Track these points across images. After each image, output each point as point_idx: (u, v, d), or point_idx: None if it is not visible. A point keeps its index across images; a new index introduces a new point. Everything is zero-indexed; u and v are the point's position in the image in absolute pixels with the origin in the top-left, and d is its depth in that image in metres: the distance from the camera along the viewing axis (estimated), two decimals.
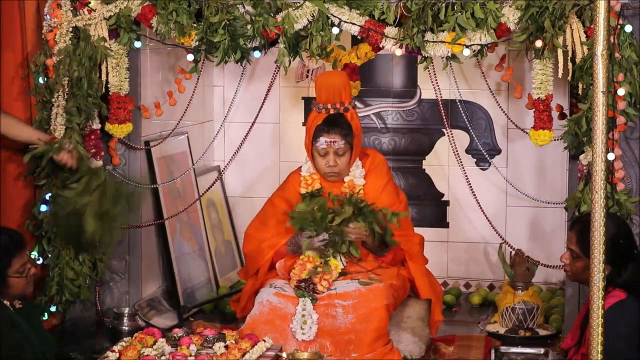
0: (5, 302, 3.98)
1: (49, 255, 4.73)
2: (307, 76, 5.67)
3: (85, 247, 4.66)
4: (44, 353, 4.00)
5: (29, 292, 4.11)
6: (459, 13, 4.35)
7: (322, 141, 4.50)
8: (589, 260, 3.74)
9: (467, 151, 5.78)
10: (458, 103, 5.27)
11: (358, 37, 4.57)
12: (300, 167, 4.73)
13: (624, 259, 3.66)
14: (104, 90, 4.79)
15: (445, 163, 5.84)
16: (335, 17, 4.51)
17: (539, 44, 4.26)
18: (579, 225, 3.82)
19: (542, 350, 4.26)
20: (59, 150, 4.56)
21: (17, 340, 3.90)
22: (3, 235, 4.06)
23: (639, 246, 3.87)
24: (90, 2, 4.68)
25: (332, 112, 4.51)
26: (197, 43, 4.58)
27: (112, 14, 4.66)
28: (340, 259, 4.50)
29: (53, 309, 4.78)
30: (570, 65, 4.31)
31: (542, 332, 4.87)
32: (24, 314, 4.03)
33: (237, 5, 4.56)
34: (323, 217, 4.39)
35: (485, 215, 5.06)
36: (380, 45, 4.53)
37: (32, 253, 4.69)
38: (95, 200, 4.50)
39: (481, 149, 5.51)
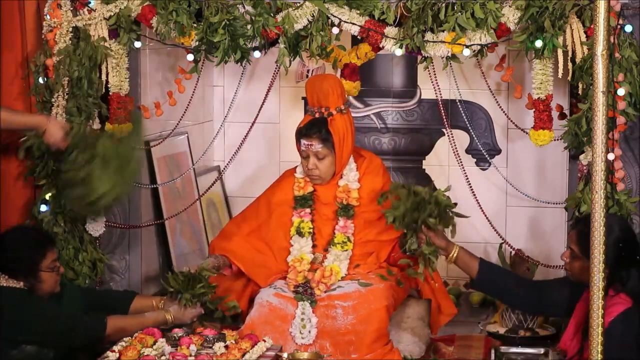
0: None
1: None
2: (307, 76, 5.67)
3: (99, 209, 4.52)
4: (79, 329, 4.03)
5: (56, 290, 4.15)
6: (459, 13, 4.35)
7: (302, 143, 4.58)
8: (587, 261, 3.77)
9: (467, 151, 5.77)
10: (458, 103, 5.27)
11: (358, 37, 4.57)
12: (296, 167, 4.76)
13: (625, 263, 3.65)
14: (104, 90, 4.79)
15: (445, 163, 5.84)
16: (335, 17, 4.50)
17: (539, 44, 4.26)
18: (581, 225, 3.83)
19: (542, 350, 4.26)
20: (43, 134, 4.38)
21: (46, 327, 3.96)
22: (35, 230, 4.26)
23: None
24: (90, 2, 4.67)
25: (317, 116, 4.57)
26: (197, 43, 4.58)
27: (112, 14, 4.66)
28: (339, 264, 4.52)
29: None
30: (570, 65, 4.31)
31: (542, 332, 4.87)
32: (54, 302, 4.09)
33: (237, 5, 4.56)
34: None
35: (485, 215, 5.05)
36: (380, 45, 4.53)
37: None
38: (99, 163, 4.35)
39: (481, 149, 5.51)
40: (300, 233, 4.60)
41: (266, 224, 4.69)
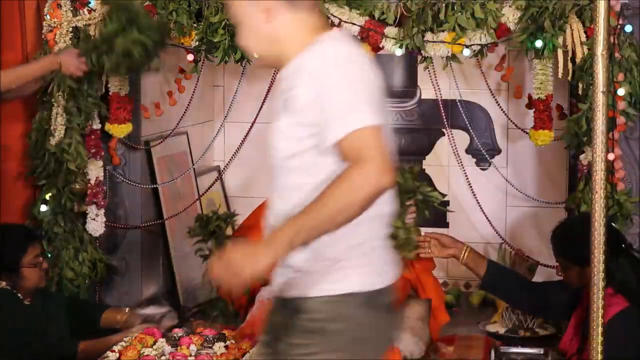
0: (18, 295, 4.04)
1: (49, 255, 4.73)
2: None
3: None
4: (54, 347, 4.04)
5: (41, 285, 4.15)
6: (459, 13, 4.35)
7: None
8: (577, 267, 3.78)
9: (467, 151, 5.77)
10: (458, 103, 5.27)
11: (358, 37, 4.57)
12: None
13: (613, 254, 3.64)
14: (104, 90, 4.79)
15: (445, 163, 5.83)
16: (335, 17, 4.50)
17: (539, 44, 4.26)
18: (556, 238, 3.87)
19: (542, 350, 4.26)
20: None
21: (23, 333, 3.95)
22: (17, 227, 4.29)
23: (627, 241, 3.88)
24: (90, 2, 4.67)
25: None
26: (197, 43, 4.58)
27: None
28: None
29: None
30: (570, 65, 4.31)
31: (542, 332, 4.86)
32: (34, 311, 4.08)
33: None
34: None
35: (485, 215, 5.05)
36: (380, 45, 4.53)
37: None
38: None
39: (481, 149, 5.50)
40: None
41: None
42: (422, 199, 4.37)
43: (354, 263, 2.55)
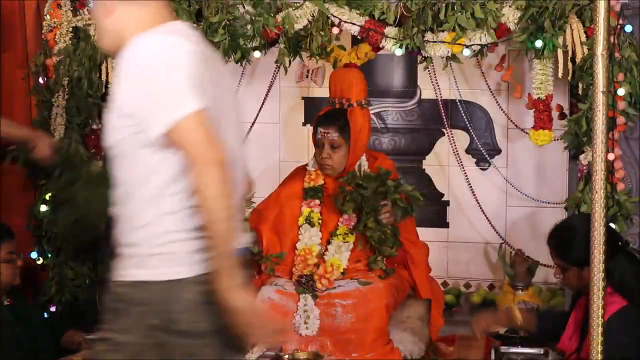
0: None
1: (49, 255, 4.74)
2: (307, 76, 5.66)
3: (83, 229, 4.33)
4: (32, 353, 4.04)
5: (16, 283, 4.15)
6: (459, 13, 4.35)
7: (318, 131, 4.60)
8: (576, 268, 3.78)
9: (467, 151, 5.77)
10: (458, 103, 5.27)
11: (358, 37, 4.57)
12: (307, 164, 4.78)
13: (611, 253, 3.64)
14: (104, 90, 4.80)
15: (445, 163, 5.84)
16: (335, 17, 4.51)
17: (539, 44, 4.26)
18: (553, 240, 3.85)
19: (542, 350, 4.26)
20: (32, 150, 4.34)
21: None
22: None
23: (623, 239, 3.87)
24: (90, 2, 4.68)
25: (337, 106, 4.59)
26: None
27: None
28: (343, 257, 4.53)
29: (53, 309, 4.78)
30: (570, 65, 4.31)
31: None
32: (13, 312, 4.08)
33: (237, 5, 4.56)
34: None
35: (485, 215, 5.06)
36: (380, 45, 4.53)
37: (32, 253, 4.71)
38: (82, 185, 4.22)
39: (481, 149, 5.50)
40: (310, 222, 4.61)
41: (278, 217, 4.70)
42: (399, 198, 4.39)
43: (149, 251, 2.61)
